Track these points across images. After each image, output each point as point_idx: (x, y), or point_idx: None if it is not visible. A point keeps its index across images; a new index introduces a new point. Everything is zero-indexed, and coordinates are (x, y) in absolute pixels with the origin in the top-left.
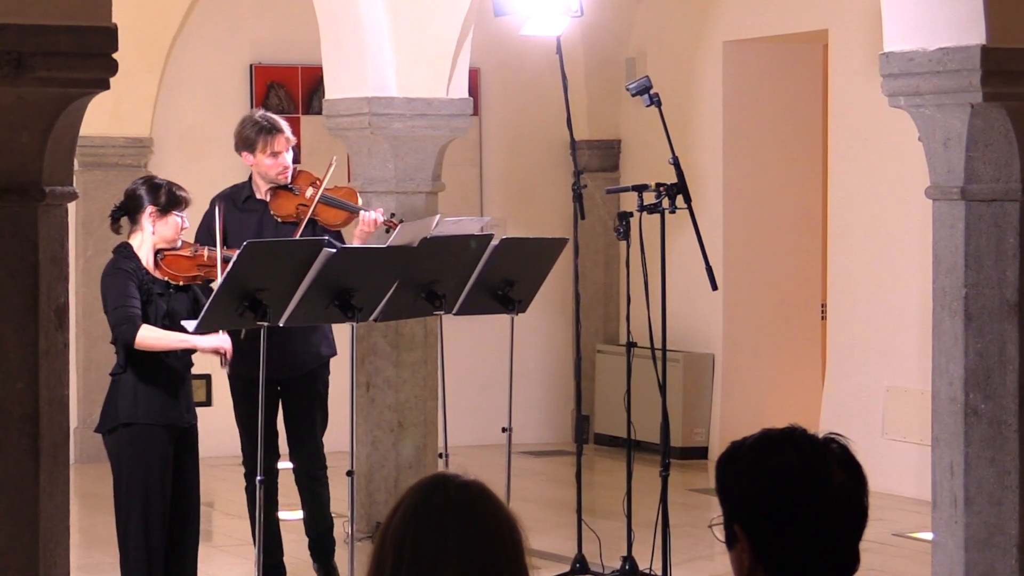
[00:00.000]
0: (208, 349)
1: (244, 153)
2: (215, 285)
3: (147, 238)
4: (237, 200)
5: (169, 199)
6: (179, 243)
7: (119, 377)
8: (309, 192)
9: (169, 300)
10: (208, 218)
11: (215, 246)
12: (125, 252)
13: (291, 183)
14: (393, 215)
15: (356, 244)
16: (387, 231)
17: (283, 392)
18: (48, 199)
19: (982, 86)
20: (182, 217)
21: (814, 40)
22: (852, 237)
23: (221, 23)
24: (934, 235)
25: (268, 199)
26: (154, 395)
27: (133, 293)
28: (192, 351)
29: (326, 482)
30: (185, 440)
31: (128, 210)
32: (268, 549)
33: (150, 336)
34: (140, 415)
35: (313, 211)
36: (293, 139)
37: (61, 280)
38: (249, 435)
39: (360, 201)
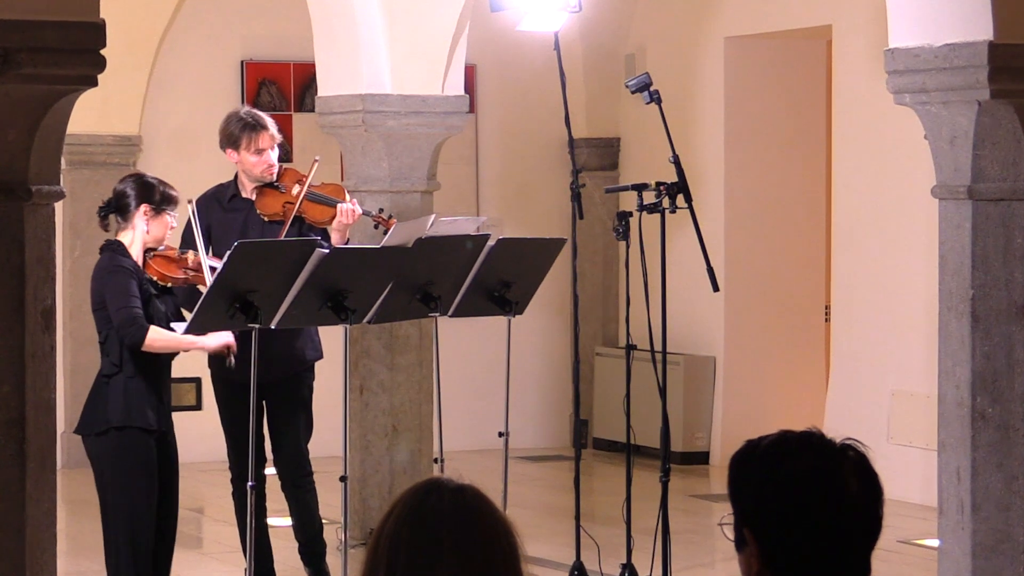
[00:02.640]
0: (217, 348)
1: (228, 150)
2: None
3: (139, 236)
4: (222, 200)
5: (163, 197)
6: (163, 245)
7: (110, 379)
8: (295, 190)
9: (161, 301)
10: (191, 224)
11: (197, 250)
12: (121, 249)
13: (277, 181)
14: (382, 210)
15: (335, 237)
16: (376, 227)
17: (266, 396)
18: (35, 198)
19: (989, 83)
20: (173, 215)
21: (817, 36)
22: (857, 237)
23: (211, 19)
24: (940, 235)
25: (254, 198)
26: (145, 399)
27: (135, 292)
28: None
29: (311, 488)
30: (163, 444)
31: (118, 208)
32: (258, 557)
33: (160, 338)
34: (134, 419)
35: (299, 208)
36: (278, 137)
37: (48, 281)
38: (234, 440)
39: (347, 197)
